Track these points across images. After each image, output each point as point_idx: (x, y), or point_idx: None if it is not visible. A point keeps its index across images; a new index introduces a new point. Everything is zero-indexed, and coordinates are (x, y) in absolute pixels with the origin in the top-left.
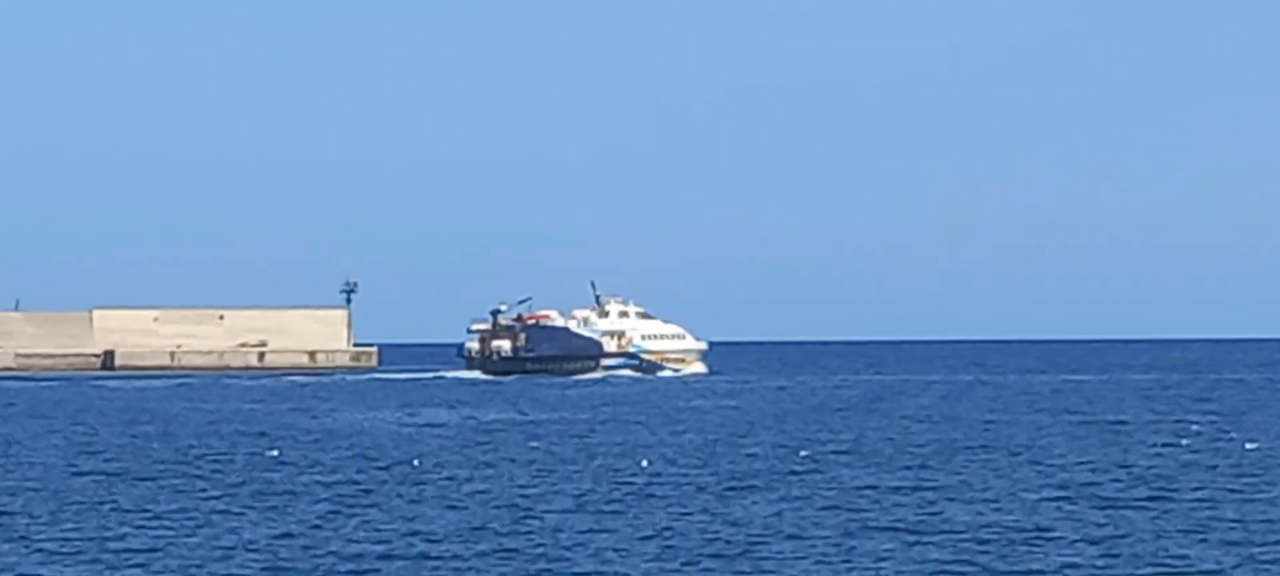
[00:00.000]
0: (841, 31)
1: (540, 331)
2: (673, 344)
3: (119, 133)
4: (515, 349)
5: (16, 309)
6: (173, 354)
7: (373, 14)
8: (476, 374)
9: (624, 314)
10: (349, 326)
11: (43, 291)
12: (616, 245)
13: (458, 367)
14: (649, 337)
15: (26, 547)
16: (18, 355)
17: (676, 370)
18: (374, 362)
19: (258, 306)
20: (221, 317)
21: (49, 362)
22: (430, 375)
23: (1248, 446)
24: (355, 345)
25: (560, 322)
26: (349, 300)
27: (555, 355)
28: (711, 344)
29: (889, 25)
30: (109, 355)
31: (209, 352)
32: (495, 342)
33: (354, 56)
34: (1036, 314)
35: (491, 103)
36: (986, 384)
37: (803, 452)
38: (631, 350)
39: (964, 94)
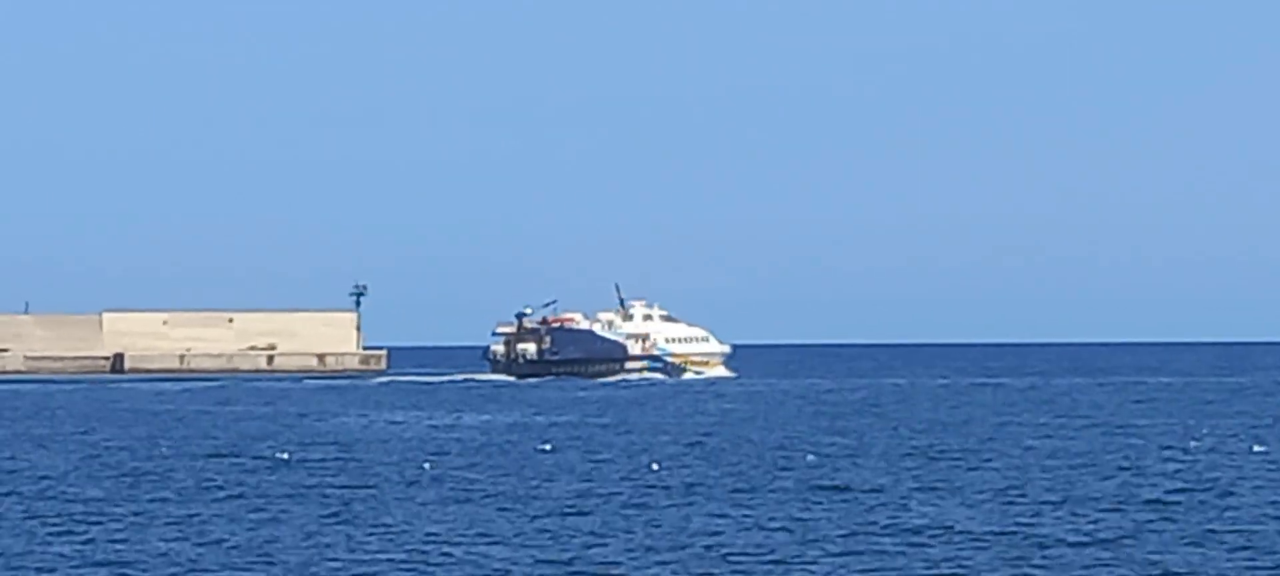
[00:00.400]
0: (869, 30)
1: (565, 334)
2: (696, 347)
3: (127, 135)
4: (540, 351)
5: (26, 311)
6: (182, 357)
7: (382, 15)
8: (502, 376)
9: (648, 317)
10: (358, 329)
11: (52, 294)
12: (640, 248)
13: (481, 370)
14: (673, 340)
15: (33, 553)
16: (27, 358)
17: (700, 373)
18: (383, 366)
19: (267, 309)
20: (231, 320)
21: (58, 365)
22: (458, 378)
23: (1255, 449)
24: (364, 348)
25: (585, 325)
26: (358, 303)
27: (580, 358)
28: (735, 347)
29: (920, 20)
30: (118, 358)
31: (218, 355)
32: (520, 345)
33: (363, 58)
34: (1050, 316)
35: (502, 104)
36: (992, 386)
37: (809, 455)
38: (656, 353)
39: (981, 93)
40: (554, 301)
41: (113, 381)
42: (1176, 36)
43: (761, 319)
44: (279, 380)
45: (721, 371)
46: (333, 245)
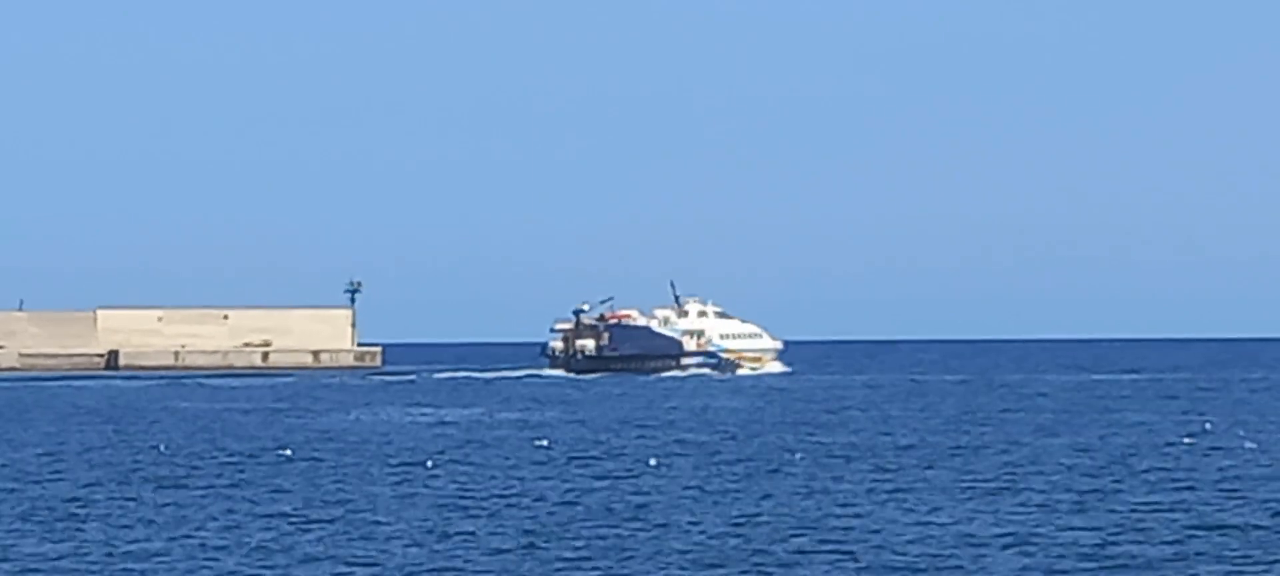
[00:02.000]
0: (910, 29)
1: (623, 331)
2: (749, 343)
3: (122, 133)
4: (598, 348)
5: (21, 309)
6: (176, 354)
7: (378, 13)
8: (561, 372)
9: (703, 313)
10: (353, 326)
11: (47, 291)
12: (680, 246)
13: (541, 366)
14: (727, 337)
15: (21, 554)
16: (22, 355)
17: (754, 369)
18: (378, 363)
19: (261, 306)
20: (225, 317)
21: (53, 362)
22: (519, 374)
23: (1248, 445)
24: (359, 345)
25: (642, 322)
26: (353, 300)
27: (637, 354)
28: (787, 343)
29: (965, 19)
30: (113, 355)
31: (213, 352)
32: (579, 342)
33: (358, 56)
34: (1068, 314)
35: (503, 103)
36: (994, 385)
37: (797, 454)
38: (710, 349)
39: (1023, 91)
40: (611, 298)
41: (107, 378)
42: (1176, 36)
43: (816, 315)
44: (280, 376)
45: (775, 367)
46: (327, 242)
